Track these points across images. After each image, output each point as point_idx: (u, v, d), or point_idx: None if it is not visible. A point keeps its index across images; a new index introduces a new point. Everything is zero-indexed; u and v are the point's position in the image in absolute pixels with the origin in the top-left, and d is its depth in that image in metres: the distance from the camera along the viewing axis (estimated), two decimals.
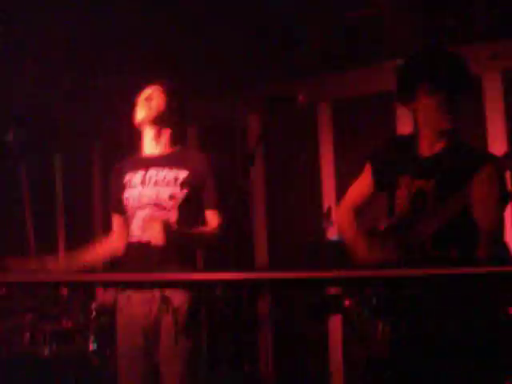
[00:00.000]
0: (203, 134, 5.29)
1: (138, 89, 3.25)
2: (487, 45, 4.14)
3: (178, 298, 2.93)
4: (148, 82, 3.27)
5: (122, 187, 3.18)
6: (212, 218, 3.05)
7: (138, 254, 3.04)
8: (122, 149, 3.25)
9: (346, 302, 3.75)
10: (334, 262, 3.61)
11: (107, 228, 4.70)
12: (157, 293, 2.94)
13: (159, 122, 3.12)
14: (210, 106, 5.09)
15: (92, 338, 4.54)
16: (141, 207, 3.07)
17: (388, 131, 4.39)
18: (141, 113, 3.12)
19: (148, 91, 3.17)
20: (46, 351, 4.52)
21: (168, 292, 2.93)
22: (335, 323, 4.66)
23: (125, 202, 3.15)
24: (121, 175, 3.22)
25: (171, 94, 3.17)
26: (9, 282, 3.10)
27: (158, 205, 3.03)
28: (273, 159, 4.90)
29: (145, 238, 2.96)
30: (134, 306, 3.06)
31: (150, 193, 3.06)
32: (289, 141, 4.83)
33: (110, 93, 4.83)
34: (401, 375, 2.66)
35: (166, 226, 2.86)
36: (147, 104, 3.11)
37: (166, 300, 2.94)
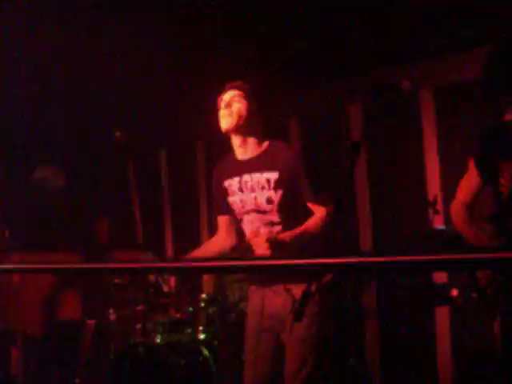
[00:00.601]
0: (305, 126, 5.29)
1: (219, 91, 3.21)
2: None
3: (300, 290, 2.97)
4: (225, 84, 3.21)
5: (224, 192, 3.23)
6: (316, 209, 3.03)
7: None
8: (224, 145, 3.24)
9: (454, 292, 3.68)
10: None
11: (212, 225, 4.86)
12: (281, 286, 3.02)
13: (243, 128, 3.10)
14: (310, 96, 5.07)
15: (201, 328, 4.68)
16: (246, 213, 3.13)
17: (492, 117, 4.24)
18: (223, 122, 3.09)
19: (227, 97, 3.13)
20: (158, 340, 4.67)
21: (291, 286, 2.99)
22: (443, 315, 4.55)
23: (231, 207, 3.21)
24: (220, 180, 3.26)
25: (251, 97, 3.11)
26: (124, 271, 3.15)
27: (259, 210, 3.07)
28: (376, 148, 4.82)
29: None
30: (258, 298, 3.14)
31: (249, 199, 3.10)
32: (392, 129, 4.74)
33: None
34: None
35: (271, 241, 2.86)
36: (228, 111, 3.07)
37: (289, 292, 3.00)
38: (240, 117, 3.06)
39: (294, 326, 2.92)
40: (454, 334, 4.51)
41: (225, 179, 3.20)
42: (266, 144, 3.14)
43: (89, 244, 6.62)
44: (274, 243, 2.83)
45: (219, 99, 3.15)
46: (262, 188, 3.04)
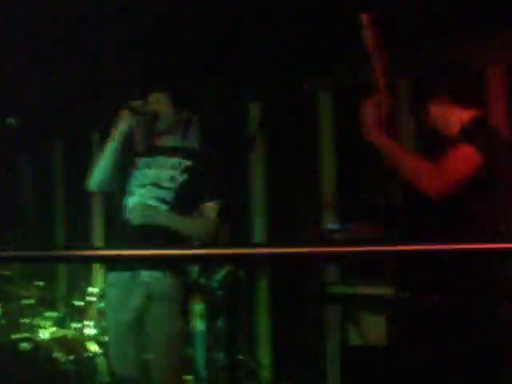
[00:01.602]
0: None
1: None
2: None
3: (159, 283, 2.94)
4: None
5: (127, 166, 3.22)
6: (208, 210, 3.10)
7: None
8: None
9: None
10: None
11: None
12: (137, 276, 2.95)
13: (167, 129, 3.21)
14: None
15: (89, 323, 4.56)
16: (142, 185, 3.11)
17: None
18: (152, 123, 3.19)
19: (154, 96, 3.19)
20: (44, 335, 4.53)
21: (147, 276, 2.94)
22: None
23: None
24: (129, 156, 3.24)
25: (180, 101, 3.23)
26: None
27: (157, 184, 3.07)
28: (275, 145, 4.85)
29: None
30: (117, 290, 3.05)
31: (153, 174, 3.10)
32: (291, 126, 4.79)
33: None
34: None
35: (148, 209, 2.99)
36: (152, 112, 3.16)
37: (147, 285, 2.95)
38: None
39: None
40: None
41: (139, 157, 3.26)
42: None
43: None
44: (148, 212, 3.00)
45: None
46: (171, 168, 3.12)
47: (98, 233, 6.02)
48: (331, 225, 4.27)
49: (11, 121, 5.70)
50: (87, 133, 6.07)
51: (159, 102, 3.17)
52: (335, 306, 4.43)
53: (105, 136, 3.24)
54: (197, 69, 4.64)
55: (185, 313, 3.05)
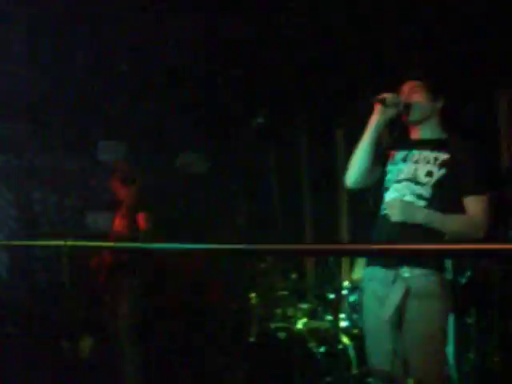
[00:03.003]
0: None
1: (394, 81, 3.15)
2: None
3: (420, 280, 2.82)
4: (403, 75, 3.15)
5: (383, 161, 3.13)
6: (472, 205, 2.87)
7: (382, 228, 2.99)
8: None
9: None
10: None
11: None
12: (397, 273, 2.85)
13: (422, 121, 3.06)
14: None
15: (342, 315, 4.65)
16: (398, 181, 3.01)
17: None
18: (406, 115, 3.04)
19: (407, 86, 3.08)
20: (299, 326, 4.70)
21: (410, 273, 2.83)
22: None
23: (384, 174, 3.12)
24: (384, 151, 3.14)
25: (435, 90, 3.06)
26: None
27: (414, 179, 2.94)
28: None
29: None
30: (376, 286, 2.97)
31: (410, 169, 2.98)
32: None
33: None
34: None
35: (407, 205, 2.85)
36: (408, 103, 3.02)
37: (406, 281, 2.84)
38: (421, 113, 3.06)
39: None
40: None
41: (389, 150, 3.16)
42: (444, 133, 3.12)
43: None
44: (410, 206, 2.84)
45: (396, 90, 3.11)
46: (427, 162, 2.97)
47: (344, 229, 6.08)
48: None
49: (259, 119, 6.05)
50: (333, 130, 6.17)
51: (413, 92, 3.05)
52: None
53: (351, 133, 3.20)
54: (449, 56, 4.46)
55: (445, 311, 2.90)
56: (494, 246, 1.33)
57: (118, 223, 4.83)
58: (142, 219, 4.72)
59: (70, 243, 2.64)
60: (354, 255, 3.95)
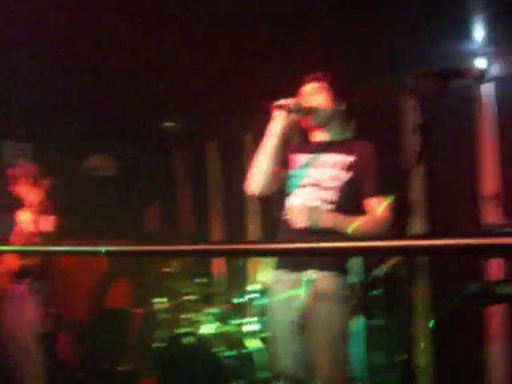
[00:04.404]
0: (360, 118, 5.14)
1: (296, 83, 3.09)
2: None
3: (325, 282, 2.85)
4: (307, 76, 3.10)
5: (285, 166, 3.11)
6: (375, 206, 2.89)
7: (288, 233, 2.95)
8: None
9: None
10: None
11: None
12: (303, 275, 2.88)
13: (325, 124, 3.05)
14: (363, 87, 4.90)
15: (251, 319, 4.65)
16: (302, 186, 3.00)
17: None
18: (308, 118, 3.01)
19: (309, 88, 3.06)
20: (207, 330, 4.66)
21: (315, 276, 2.85)
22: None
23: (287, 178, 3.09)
24: (286, 156, 3.12)
25: (338, 91, 3.05)
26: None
27: (318, 184, 2.94)
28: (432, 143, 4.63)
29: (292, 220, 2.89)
30: (283, 289, 2.97)
31: (314, 173, 2.98)
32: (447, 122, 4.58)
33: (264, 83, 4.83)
34: None
35: (312, 210, 2.83)
36: (310, 107, 3.00)
37: (310, 284, 2.87)
38: (324, 114, 3.04)
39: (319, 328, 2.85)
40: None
41: (293, 154, 3.13)
42: (346, 135, 3.13)
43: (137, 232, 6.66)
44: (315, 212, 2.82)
45: (298, 91, 3.09)
46: (333, 166, 2.96)
47: (254, 235, 6.09)
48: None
49: (169, 123, 5.98)
50: (241, 134, 6.19)
51: (315, 94, 3.03)
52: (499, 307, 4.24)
53: (258, 137, 3.11)
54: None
55: (348, 312, 2.93)
56: (400, 243, 1.34)
57: (26, 224, 4.62)
58: (48, 221, 4.59)
59: None
60: (262, 255, 3.93)
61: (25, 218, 4.57)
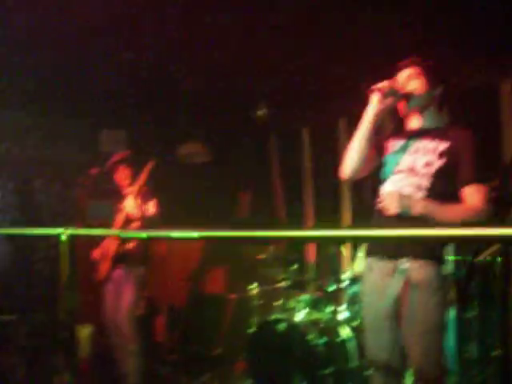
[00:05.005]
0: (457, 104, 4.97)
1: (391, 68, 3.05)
2: None
3: (420, 271, 2.79)
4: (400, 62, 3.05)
5: (380, 152, 3.07)
6: (472, 194, 2.81)
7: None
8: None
9: None
10: None
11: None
12: (396, 263, 2.83)
13: (421, 110, 3.00)
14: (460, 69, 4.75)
15: (342, 307, 4.63)
16: (396, 172, 2.96)
17: None
18: (403, 104, 2.98)
19: (404, 74, 3.01)
20: (299, 318, 4.68)
21: (409, 265, 2.80)
22: None
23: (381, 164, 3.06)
24: (381, 142, 3.09)
25: (433, 77, 2.99)
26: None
27: (412, 170, 2.90)
28: None
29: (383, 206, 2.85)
30: (376, 276, 2.94)
31: (408, 159, 2.93)
32: None
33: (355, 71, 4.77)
34: None
35: (404, 197, 2.78)
36: (405, 92, 2.95)
37: (404, 272, 2.81)
38: (419, 98, 2.98)
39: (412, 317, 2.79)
40: None
41: (388, 140, 3.10)
42: (443, 122, 3.05)
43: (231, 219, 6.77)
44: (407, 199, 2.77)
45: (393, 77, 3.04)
46: (426, 152, 2.91)
47: (347, 223, 6.04)
48: None
49: (261, 110, 6.02)
50: (335, 120, 6.14)
51: (411, 80, 2.98)
52: None
53: (353, 123, 3.07)
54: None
55: (444, 303, 2.86)
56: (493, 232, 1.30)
57: (129, 209, 4.75)
58: (150, 206, 4.76)
59: (68, 231, 2.60)
60: (353, 241, 3.90)
61: (128, 204, 4.71)
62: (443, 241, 2.25)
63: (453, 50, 4.39)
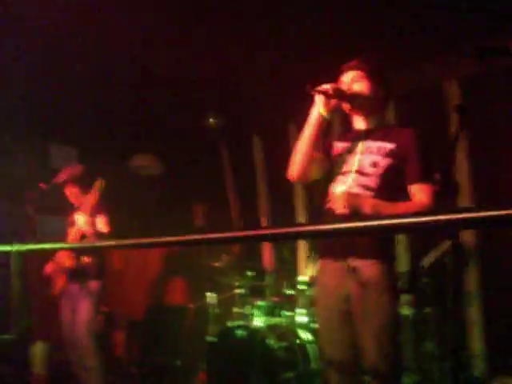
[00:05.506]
0: (401, 104, 5.06)
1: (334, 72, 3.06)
2: None
3: (371, 269, 2.80)
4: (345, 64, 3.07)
5: (327, 153, 3.10)
6: (419, 192, 2.85)
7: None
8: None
9: None
10: None
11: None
12: (347, 263, 2.84)
13: (366, 110, 3.03)
14: (408, 73, 4.86)
15: (299, 311, 4.65)
16: (344, 172, 2.98)
17: None
18: (348, 105, 2.99)
19: (348, 76, 3.03)
20: (257, 323, 4.67)
21: (358, 263, 2.82)
22: None
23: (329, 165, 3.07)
24: (328, 144, 3.12)
25: (377, 79, 3.02)
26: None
27: (360, 171, 2.92)
28: (477, 125, 4.51)
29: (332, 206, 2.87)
30: (328, 278, 2.95)
31: (355, 160, 2.95)
32: (496, 102, 4.46)
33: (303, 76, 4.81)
34: None
35: (352, 197, 2.80)
36: (350, 94, 2.97)
37: (355, 271, 2.82)
38: (364, 99, 3.00)
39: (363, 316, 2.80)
40: None
41: (335, 142, 3.12)
42: (385, 123, 3.11)
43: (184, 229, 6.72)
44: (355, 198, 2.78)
45: (338, 79, 3.06)
46: (371, 152, 2.94)
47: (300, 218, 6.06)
48: None
49: (212, 119, 6.02)
50: (285, 125, 6.17)
51: (355, 82, 3.00)
52: None
53: (301, 127, 3.04)
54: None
55: (396, 300, 2.88)
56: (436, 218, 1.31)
57: (81, 225, 4.68)
58: (102, 221, 4.70)
59: (16, 248, 2.53)
60: (309, 237, 3.91)
61: (79, 220, 4.65)
62: (393, 231, 2.24)
63: (396, 51, 4.47)
